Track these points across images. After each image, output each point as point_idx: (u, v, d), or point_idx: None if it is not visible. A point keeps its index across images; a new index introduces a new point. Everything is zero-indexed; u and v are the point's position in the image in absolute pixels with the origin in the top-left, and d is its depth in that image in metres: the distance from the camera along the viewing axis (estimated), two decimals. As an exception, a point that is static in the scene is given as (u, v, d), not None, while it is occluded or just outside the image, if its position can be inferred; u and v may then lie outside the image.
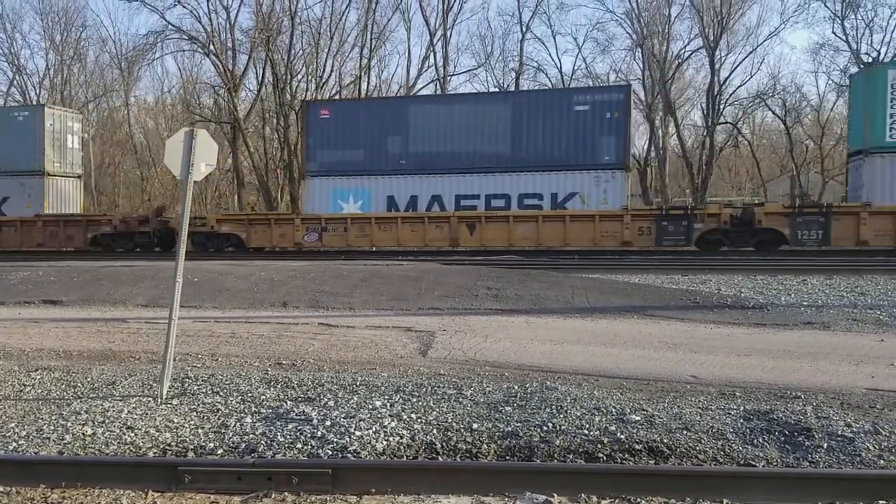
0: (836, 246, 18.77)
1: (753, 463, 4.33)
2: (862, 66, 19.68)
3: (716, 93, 37.00)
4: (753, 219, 19.23)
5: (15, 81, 40.02)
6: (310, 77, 39.36)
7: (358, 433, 4.77)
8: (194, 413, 5.33)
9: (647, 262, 16.71)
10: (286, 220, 22.09)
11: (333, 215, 21.41)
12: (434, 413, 5.20)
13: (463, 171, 20.97)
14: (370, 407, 5.36)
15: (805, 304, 10.49)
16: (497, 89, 40.97)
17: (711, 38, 37.35)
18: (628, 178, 20.26)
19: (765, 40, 58.44)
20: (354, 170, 21.62)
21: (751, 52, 39.42)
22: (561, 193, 20.41)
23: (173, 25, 38.15)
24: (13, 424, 5.12)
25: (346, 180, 21.68)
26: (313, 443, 4.66)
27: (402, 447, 4.61)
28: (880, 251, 18.16)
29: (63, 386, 6.18)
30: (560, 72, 41.95)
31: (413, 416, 5.14)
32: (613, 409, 5.23)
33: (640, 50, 39.55)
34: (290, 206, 32.92)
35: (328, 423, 4.99)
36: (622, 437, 4.65)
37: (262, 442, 4.69)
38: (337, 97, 37.90)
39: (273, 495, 3.95)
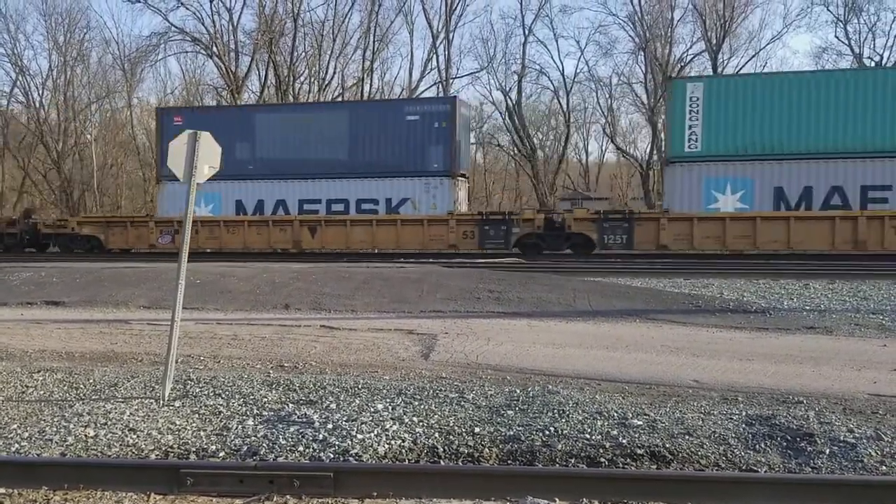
0: (639, 250, 19.71)
1: (755, 468, 4.32)
2: (668, 79, 20.48)
3: (718, 96, 36.93)
4: (564, 224, 20.24)
5: (18, 82, 40.04)
6: (312, 79, 39.53)
7: (360, 436, 4.78)
8: (196, 415, 5.34)
9: (648, 265, 16.70)
10: (141, 222, 23.23)
11: None
12: (436, 416, 5.21)
13: (306, 176, 21.90)
14: (372, 410, 5.36)
15: (808, 308, 10.47)
16: (500, 91, 41.07)
17: (714, 41, 37.45)
18: (455, 184, 21.23)
19: (767, 44, 59.00)
20: None
21: (753, 56, 39.55)
22: (395, 199, 21.39)
23: (176, 27, 38.41)
24: (15, 426, 5.13)
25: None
26: (315, 446, 4.66)
27: (403, 451, 4.61)
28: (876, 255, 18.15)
29: (65, 387, 6.19)
30: (562, 74, 42.16)
31: (415, 419, 5.14)
32: (615, 414, 5.23)
33: (642, 53, 39.61)
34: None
35: (330, 426, 4.99)
36: (624, 441, 4.65)
37: (264, 445, 4.70)
38: (339, 99, 37.99)
39: (275, 498, 3.95)
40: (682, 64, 39.63)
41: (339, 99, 38.10)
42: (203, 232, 21.99)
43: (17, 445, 4.76)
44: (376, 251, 21.45)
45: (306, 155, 21.82)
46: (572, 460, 4.46)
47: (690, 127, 19.06)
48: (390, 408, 5.42)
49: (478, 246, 20.60)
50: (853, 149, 18.27)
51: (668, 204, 19.72)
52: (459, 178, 21.58)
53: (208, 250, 21.90)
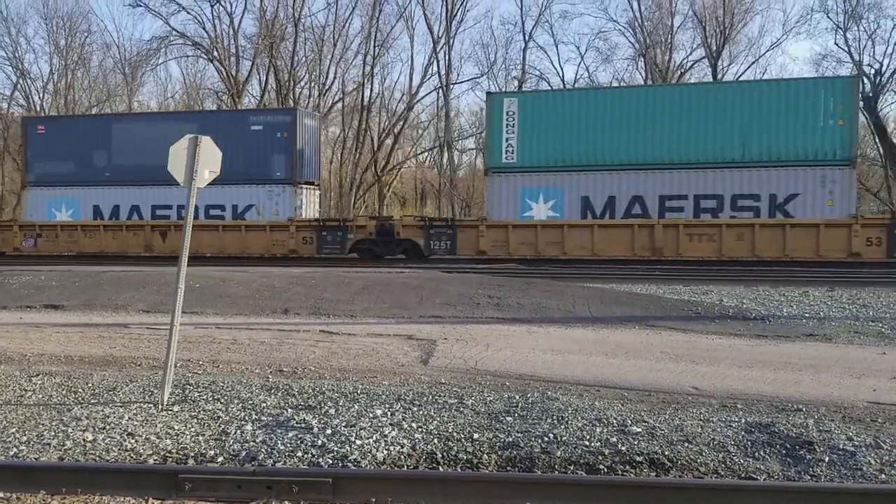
0: (461, 255, 20.36)
1: (755, 476, 4.32)
2: (488, 94, 22.55)
3: (718, 103, 36.97)
4: (394, 230, 21.09)
5: (19, 85, 40.09)
6: (313, 84, 39.54)
7: (358, 442, 4.77)
8: (195, 420, 5.33)
9: (648, 272, 16.72)
10: (7, 226, 24.25)
11: (47, 223, 23.31)
12: (435, 422, 5.20)
13: (158, 183, 22.31)
14: (371, 415, 5.35)
15: (807, 315, 10.47)
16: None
17: (714, 48, 37.48)
18: (297, 192, 22.03)
19: (767, 51, 58.81)
20: (66, 181, 23.43)
21: (753, 63, 39.49)
22: (241, 205, 22.21)
23: (177, 31, 38.48)
24: (14, 430, 5.13)
25: (60, 190, 23.41)
26: (314, 451, 4.66)
27: (402, 456, 4.61)
28: (874, 263, 18.14)
29: (64, 391, 6.18)
30: (562, 81, 42.02)
31: (414, 425, 5.14)
32: (615, 421, 5.22)
33: (642, 59, 39.65)
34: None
35: (329, 431, 4.99)
36: (623, 448, 4.64)
37: (263, 450, 4.69)
38: (339, 103, 38.05)
39: (273, 504, 3.95)
40: (682, 70, 39.70)
41: (340, 102, 38.19)
42: (63, 236, 22.94)
43: (15, 450, 4.76)
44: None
45: (159, 162, 22.11)
46: (571, 467, 4.46)
47: (507, 139, 20.06)
48: (389, 413, 5.41)
49: (316, 251, 21.37)
50: (652, 161, 19.14)
51: (488, 212, 20.60)
52: (304, 186, 22.38)
53: (66, 253, 22.73)
